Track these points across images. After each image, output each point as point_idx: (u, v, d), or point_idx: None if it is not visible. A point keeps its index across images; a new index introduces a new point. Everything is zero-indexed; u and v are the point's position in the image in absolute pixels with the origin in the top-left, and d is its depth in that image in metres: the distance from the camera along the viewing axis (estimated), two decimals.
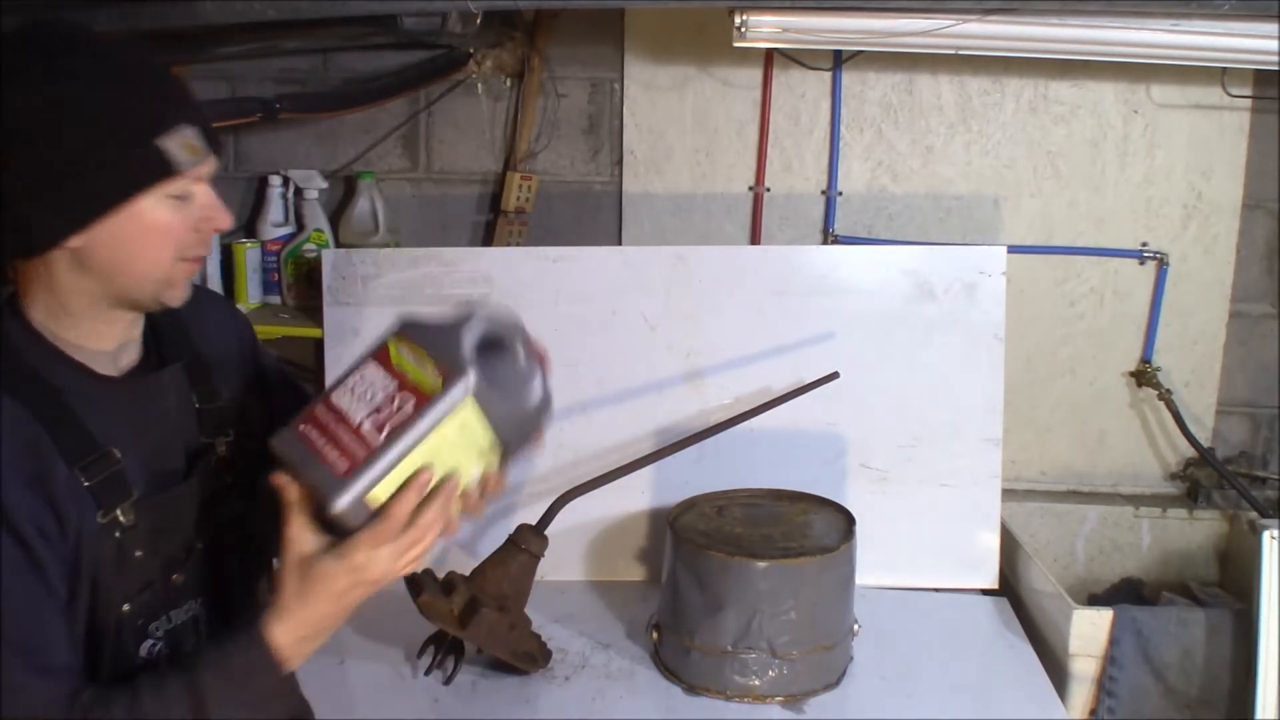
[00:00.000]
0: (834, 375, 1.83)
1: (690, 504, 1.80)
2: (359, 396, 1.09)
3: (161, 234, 1.06)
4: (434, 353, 1.08)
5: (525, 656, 1.62)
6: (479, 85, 2.27)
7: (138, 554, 1.10)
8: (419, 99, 2.30)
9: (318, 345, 2.06)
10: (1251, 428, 2.31)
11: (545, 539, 1.59)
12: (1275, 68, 1.82)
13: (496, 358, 1.12)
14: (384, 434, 1.04)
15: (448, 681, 1.61)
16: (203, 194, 1.08)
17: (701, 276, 1.98)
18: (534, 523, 1.60)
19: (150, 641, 1.13)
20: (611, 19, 2.23)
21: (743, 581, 1.58)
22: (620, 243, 2.31)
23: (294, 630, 1.06)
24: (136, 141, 1.02)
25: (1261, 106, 2.16)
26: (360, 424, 1.06)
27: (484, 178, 2.33)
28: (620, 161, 2.29)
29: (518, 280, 1.99)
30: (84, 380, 1.09)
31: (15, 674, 0.98)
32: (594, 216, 2.33)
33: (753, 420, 1.80)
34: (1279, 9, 1.70)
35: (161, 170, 1.03)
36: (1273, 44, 1.76)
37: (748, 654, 1.59)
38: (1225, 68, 2.09)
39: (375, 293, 2.01)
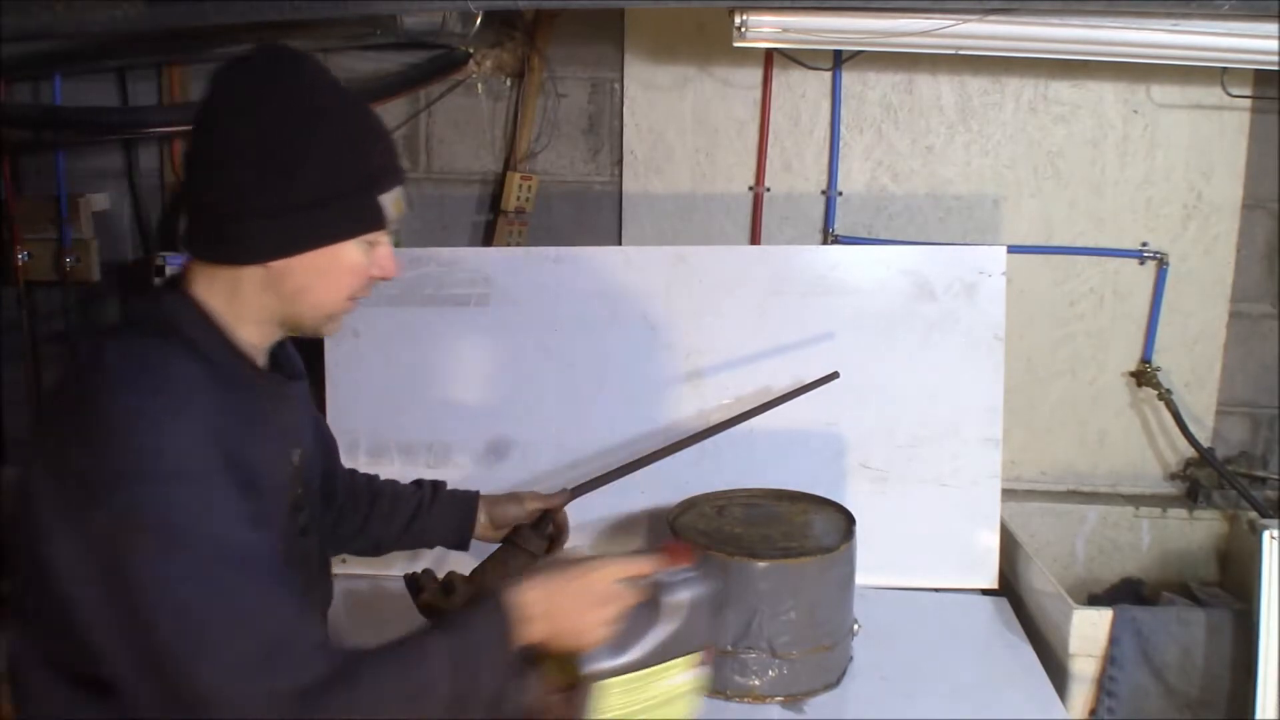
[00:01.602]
0: (834, 375, 1.83)
1: (690, 504, 1.80)
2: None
3: (348, 274, 1.17)
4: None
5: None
6: (479, 85, 2.26)
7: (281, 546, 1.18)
8: (419, 99, 2.30)
9: (318, 346, 2.06)
10: (1251, 428, 2.31)
11: (544, 539, 1.58)
12: (1275, 68, 1.82)
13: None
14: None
15: None
16: (385, 245, 1.20)
17: (701, 276, 1.98)
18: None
19: None
20: (611, 19, 2.23)
21: (743, 581, 1.58)
22: (620, 243, 2.31)
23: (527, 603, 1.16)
24: (364, 192, 1.14)
25: (1261, 106, 2.16)
26: None
27: (484, 178, 2.33)
28: (620, 161, 2.29)
29: (518, 280, 1.99)
30: (246, 370, 1.17)
31: (296, 618, 1.05)
32: (594, 216, 2.33)
33: (753, 420, 1.80)
34: (1279, 9, 1.70)
35: (374, 223, 1.16)
36: (1273, 44, 1.76)
37: (748, 654, 1.58)
38: (1225, 68, 2.08)
39: (375, 292, 1.99)
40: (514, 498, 1.60)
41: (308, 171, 1.10)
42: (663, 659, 1.23)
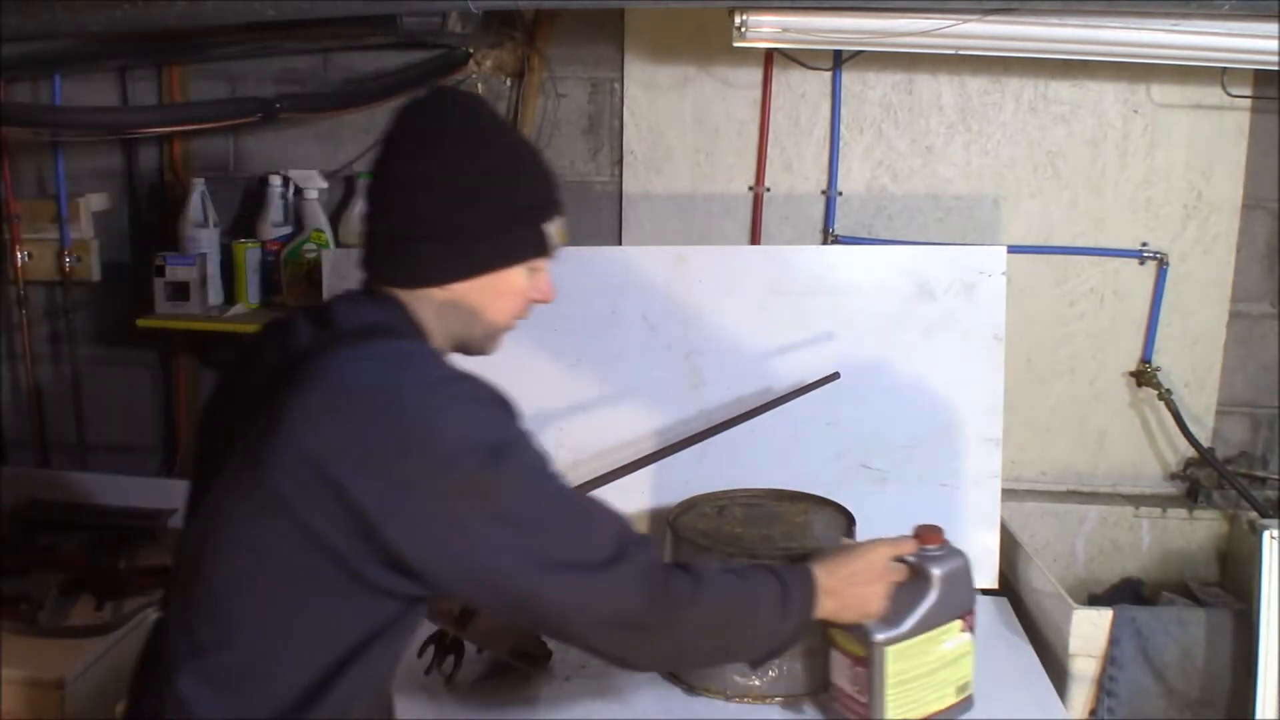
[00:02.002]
0: (834, 375, 1.83)
1: (690, 504, 1.80)
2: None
3: (515, 297, 1.27)
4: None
5: (524, 656, 1.62)
6: (479, 85, 2.26)
7: None
8: None
9: None
10: (1251, 428, 2.31)
11: None
12: (1275, 68, 1.82)
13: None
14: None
15: (448, 681, 1.61)
16: (545, 272, 1.30)
17: (701, 276, 1.98)
18: None
19: None
20: (611, 19, 2.23)
21: None
22: (620, 242, 2.31)
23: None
24: (534, 222, 1.25)
25: (1261, 106, 2.16)
26: None
27: None
28: (620, 161, 2.29)
29: None
30: None
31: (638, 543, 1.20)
32: (594, 216, 2.33)
33: (753, 420, 1.80)
34: (1279, 9, 1.70)
35: (540, 250, 1.27)
36: (1273, 44, 1.76)
37: None
38: (1225, 68, 2.08)
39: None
40: None
41: (485, 201, 1.21)
42: (934, 626, 1.43)
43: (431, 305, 1.24)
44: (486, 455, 1.10)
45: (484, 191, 1.22)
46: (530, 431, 1.18)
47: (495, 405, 1.16)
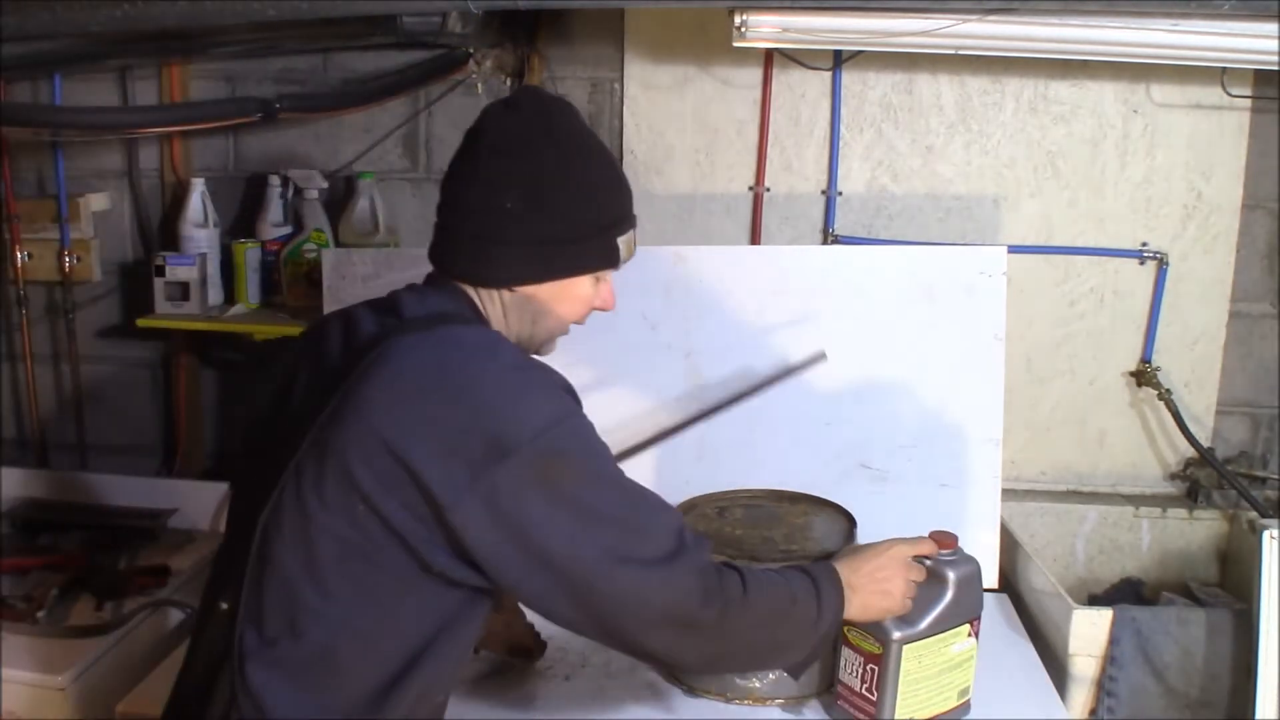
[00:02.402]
0: (820, 355, 1.82)
1: (691, 505, 1.80)
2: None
3: (580, 303, 1.30)
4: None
5: (520, 650, 1.62)
6: (479, 85, 2.26)
7: None
8: (419, 99, 2.30)
9: None
10: (1251, 428, 2.31)
11: None
12: (1275, 68, 1.82)
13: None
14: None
15: None
16: (609, 281, 1.33)
17: (701, 276, 1.98)
18: None
19: None
20: (611, 19, 2.23)
21: None
22: None
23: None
24: (608, 234, 1.27)
25: (1261, 106, 2.16)
26: None
27: None
28: (620, 161, 2.29)
29: None
30: None
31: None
32: None
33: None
34: (1279, 9, 1.70)
35: (610, 262, 1.29)
36: (1273, 44, 1.76)
37: None
38: (1225, 68, 2.08)
39: (375, 293, 1.99)
40: None
41: (564, 209, 1.23)
42: (946, 628, 1.46)
43: (499, 302, 1.27)
44: (555, 440, 1.12)
45: (567, 200, 1.24)
46: (592, 423, 1.20)
47: (564, 393, 1.19)
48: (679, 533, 1.18)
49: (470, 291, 1.27)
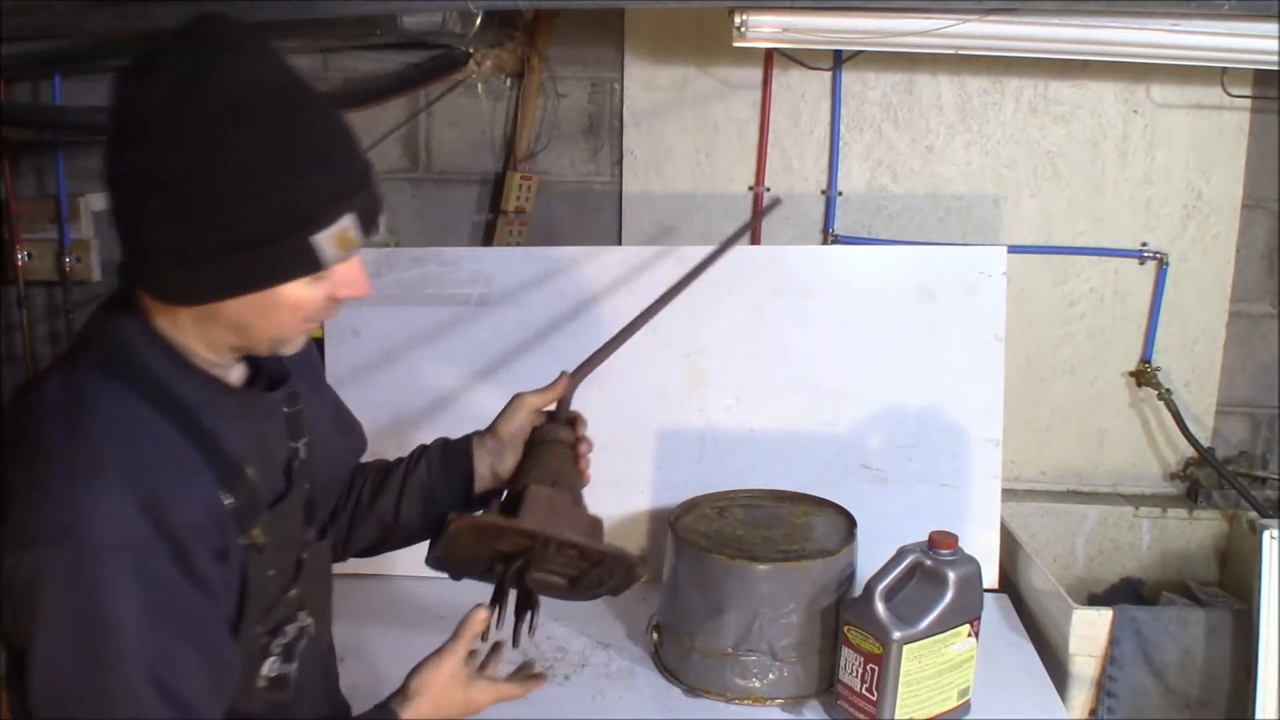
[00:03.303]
0: (777, 201, 1.84)
1: (691, 505, 1.80)
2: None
3: (292, 310, 1.03)
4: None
5: (613, 552, 1.24)
6: (479, 85, 2.26)
7: (269, 574, 1.09)
8: (419, 99, 2.30)
9: (318, 345, 2.06)
10: (1251, 428, 2.31)
11: (568, 424, 1.40)
12: (1275, 68, 1.82)
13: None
14: None
15: (528, 633, 1.30)
16: (348, 266, 1.04)
17: (702, 276, 1.98)
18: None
19: (270, 659, 1.13)
20: (611, 19, 2.23)
21: (744, 584, 1.58)
22: (620, 243, 2.31)
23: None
24: (295, 234, 0.97)
25: (1261, 106, 2.16)
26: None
27: (484, 178, 2.33)
28: (620, 161, 2.29)
29: (518, 280, 1.99)
30: (214, 394, 1.06)
31: None
32: (594, 216, 2.33)
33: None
34: (1279, 9, 1.70)
35: (310, 266, 1.00)
36: (1273, 44, 1.76)
37: (748, 656, 1.59)
38: (1225, 68, 2.08)
39: (375, 292, 2.00)
40: (509, 415, 1.39)
41: (225, 214, 0.95)
42: (946, 629, 1.47)
43: (187, 317, 1.03)
44: (36, 565, 0.92)
45: (225, 200, 0.94)
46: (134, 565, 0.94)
47: (118, 507, 0.93)
48: None
49: (149, 302, 1.04)
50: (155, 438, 0.99)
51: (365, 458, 1.47)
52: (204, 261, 0.97)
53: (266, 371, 1.17)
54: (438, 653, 1.23)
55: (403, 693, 1.21)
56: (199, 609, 0.98)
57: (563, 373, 1.44)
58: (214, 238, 0.96)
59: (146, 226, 0.97)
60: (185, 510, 0.97)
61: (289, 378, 1.17)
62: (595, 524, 1.30)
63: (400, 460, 1.43)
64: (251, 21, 1.80)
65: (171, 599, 0.95)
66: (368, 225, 1.02)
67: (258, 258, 0.97)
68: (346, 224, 1.00)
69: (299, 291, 1.01)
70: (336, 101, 2.21)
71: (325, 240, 0.99)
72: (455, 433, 1.43)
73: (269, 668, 1.12)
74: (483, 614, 1.24)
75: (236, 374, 1.13)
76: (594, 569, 1.25)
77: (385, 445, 2.01)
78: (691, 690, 1.63)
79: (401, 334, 2.00)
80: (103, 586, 0.91)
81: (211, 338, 1.05)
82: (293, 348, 1.10)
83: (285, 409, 1.18)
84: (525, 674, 1.33)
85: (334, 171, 0.99)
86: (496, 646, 1.32)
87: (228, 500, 1.03)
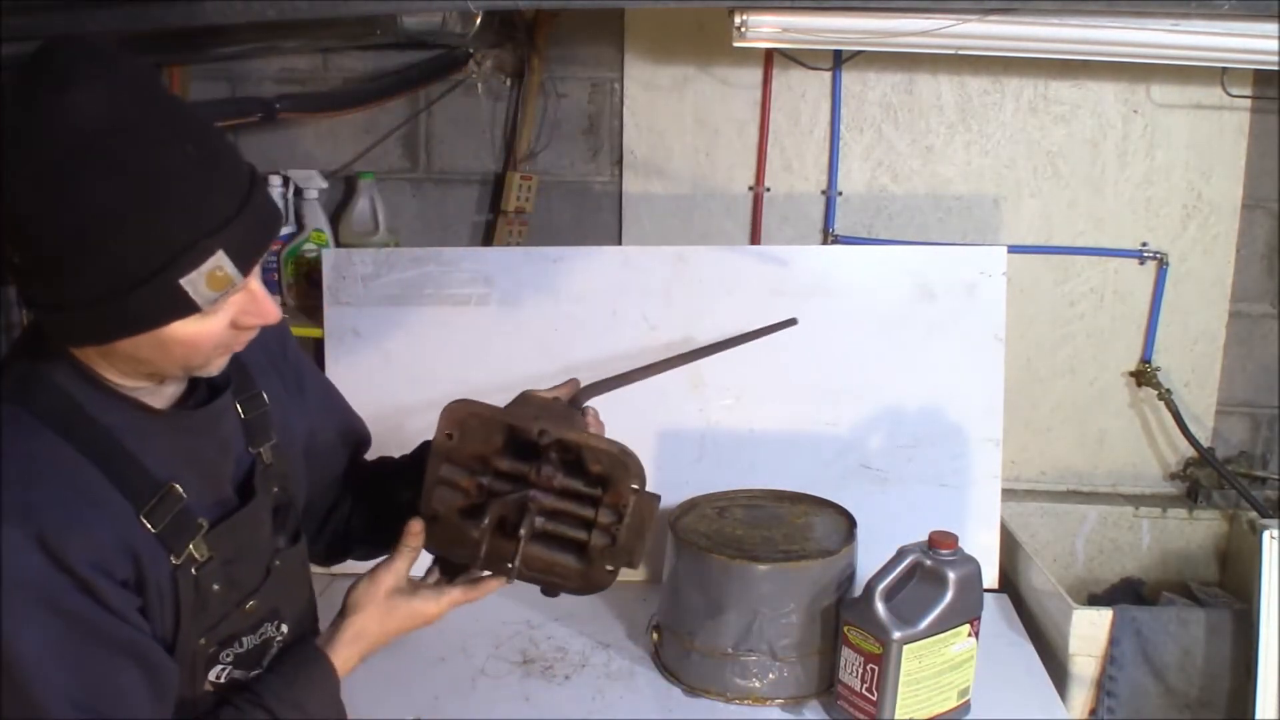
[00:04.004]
0: (792, 321, 1.69)
1: (691, 505, 1.80)
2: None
3: (189, 345, 0.98)
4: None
5: (617, 449, 1.25)
6: (479, 85, 2.26)
7: (215, 588, 1.08)
8: (419, 99, 2.30)
9: (318, 345, 2.06)
10: (1251, 428, 2.31)
11: (579, 411, 1.38)
12: (1275, 68, 1.82)
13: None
14: None
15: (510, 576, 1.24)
16: (239, 299, 0.99)
17: (701, 276, 1.98)
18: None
19: (220, 667, 1.12)
20: (611, 19, 2.23)
21: (744, 584, 1.58)
22: (620, 243, 2.30)
23: (359, 649, 1.19)
24: (155, 280, 0.92)
25: (1261, 106, 2.16)
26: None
27: (484, 178, 2.33)
28: (620, 161, 2.29)
29: (518, 280, 1.99)
30: (137, 416, 1.03)
31: None
32: (594, 216, 2.33)
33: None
34: (1279, 9, 1.70)
35: (184, 308, 0.94)
36: (1273, 44, 1.76)
37: (748, 656, 1.59)
38: (1225, 68, 2.08)
39: (375, 292, 2.01)
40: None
41: (78, 266, 0.90)
42: (946, 628, 1.48)
43: (91, 350, 1.00)
44: None
45: (69, 252, 0.90)
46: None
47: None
48: None
49: None
50: (60, 473, 0.96)
51: (366, 457, 1.47)
52: (74, 309, 0.93)
53: (206, 382, 1.12)
54: (374, 568, 1.22)
55: (341, 611, 1.20)
56: (120, 634, 0.97)
57: (574, 379, 1.46)
58: (77, 287, 0.92)
59: (17, 274, 0.94)
60: (86, 545, 0.94)
61: (228, 387, 1.12)
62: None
63: (405, 456, 1.45)
64: (253, 22, 1.81)
65: (88, 627, 0.95)
66: (247, 256, 0.96)
67: (126, 304, 0.92)
68: (217, 261, 0.93)
69: (189, 329, 0.96)
70: (337, 102, 2.23)
71: (195, 281, 0.93)
72: None
73: (216, 674, 1.11)
74: (418, 525, 1.21)
75: (168, 391, 1.08)
76: (604, 516, 1.21)
77: (385, 445, 2.01)
78: (691, 690, 1.63)
79: (401, 334, 2.00)
80: (4, 625, 0.90)
81: (119, 368, 1.01)
82: (212, 370, 1.05)
83: (242, 415, 1.16)
84: (473, 576, 1.24)
85: (190, 212, 0.92)
86: (436, 560, 1.28)
87: (148, 525, 1.00)
